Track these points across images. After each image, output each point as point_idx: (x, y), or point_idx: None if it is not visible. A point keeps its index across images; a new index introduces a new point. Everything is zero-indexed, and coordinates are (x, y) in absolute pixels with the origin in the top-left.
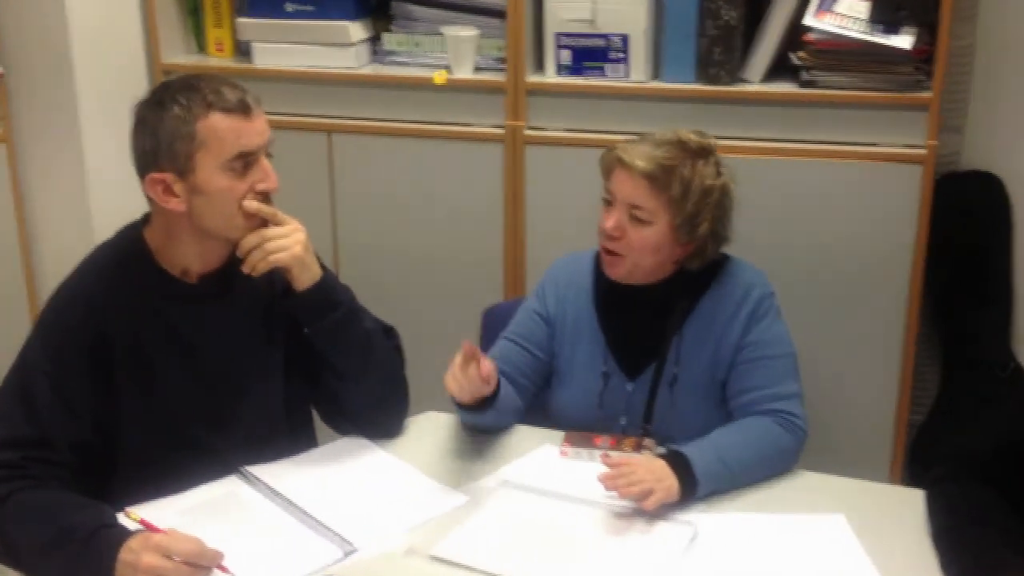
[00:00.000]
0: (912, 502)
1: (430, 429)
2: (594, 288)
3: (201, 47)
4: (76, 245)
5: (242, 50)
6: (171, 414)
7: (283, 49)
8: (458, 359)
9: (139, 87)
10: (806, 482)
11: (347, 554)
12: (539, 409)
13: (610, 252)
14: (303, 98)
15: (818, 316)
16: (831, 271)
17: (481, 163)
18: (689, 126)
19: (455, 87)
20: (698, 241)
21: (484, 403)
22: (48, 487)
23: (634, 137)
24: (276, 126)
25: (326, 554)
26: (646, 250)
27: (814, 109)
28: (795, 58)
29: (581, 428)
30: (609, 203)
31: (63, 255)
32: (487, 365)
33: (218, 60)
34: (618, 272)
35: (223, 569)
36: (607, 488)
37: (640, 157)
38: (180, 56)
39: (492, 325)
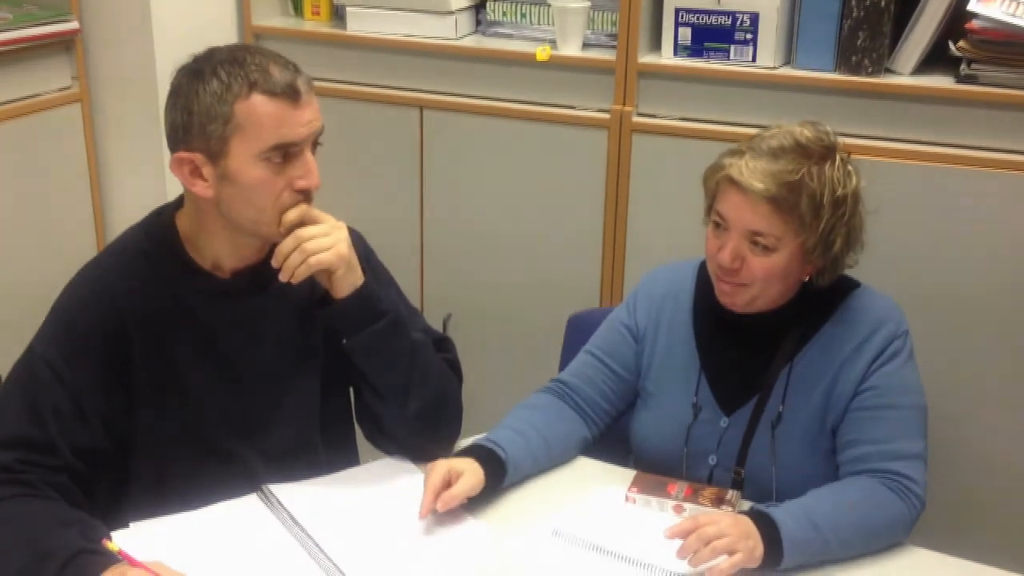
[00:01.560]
0: None
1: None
2: (694, 305)
3: (298, 9)
4: (150, 209)
5: (339, 15)
6: (193, 419)
7: (378, 15)
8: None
9: None
10: (917, 561)
11: None
12: (620, 431)
13: (727, 282)
14: (395, 69)
15: (963, 356)
16: (984, 301)
17: (583, 150)
18: (825, 121)
19: (559, 65)
20: (832, 257)
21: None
22: (41, 496)
23: (739, 144)
24: (365, 98)
25: None
26: (773, 278)
27: (974, 109)
28: (954, 48)
29: (664, 462)
30: (719, 226)
31: (137, 218)
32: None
33: (313, 24)
34: (738, 302)
35: None
36: (682, 552)
37: (757, 176)
38: (274, 18)
39: (576, 335)
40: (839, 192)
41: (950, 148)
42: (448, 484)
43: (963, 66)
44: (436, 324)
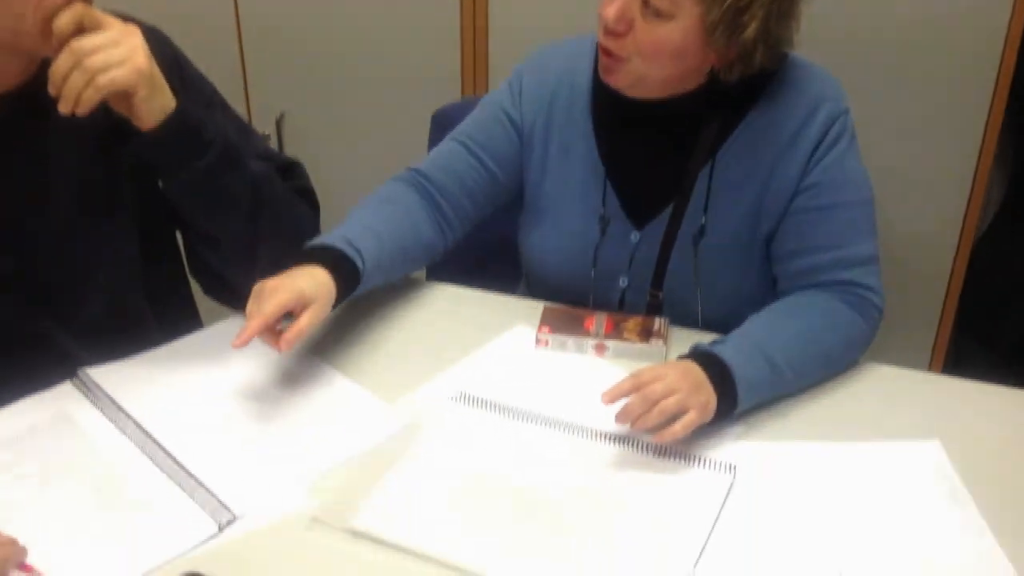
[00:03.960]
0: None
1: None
2: (593, 95)
3: None
4: None
5: None
6: None
7: None
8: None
9: None
10: (878, 380)
11: (223, 527)
12: (504, 247)
13: (609, 52)
14: None
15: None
16: (902, 59)
17: None
18: None
19: None
20: (741, 46)
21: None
22: None
23: None
24: None
25: (191, 529)
26: (660, 55)
27: None
28: None
29: (567, 286)
30: None
31: None
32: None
33: None
34: (617, 80)
35: (26, 569)
36: (624, 417)
37: None
38: None
39: (443, 134)
40: None
41: None
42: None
43: None
44: (265, 126)
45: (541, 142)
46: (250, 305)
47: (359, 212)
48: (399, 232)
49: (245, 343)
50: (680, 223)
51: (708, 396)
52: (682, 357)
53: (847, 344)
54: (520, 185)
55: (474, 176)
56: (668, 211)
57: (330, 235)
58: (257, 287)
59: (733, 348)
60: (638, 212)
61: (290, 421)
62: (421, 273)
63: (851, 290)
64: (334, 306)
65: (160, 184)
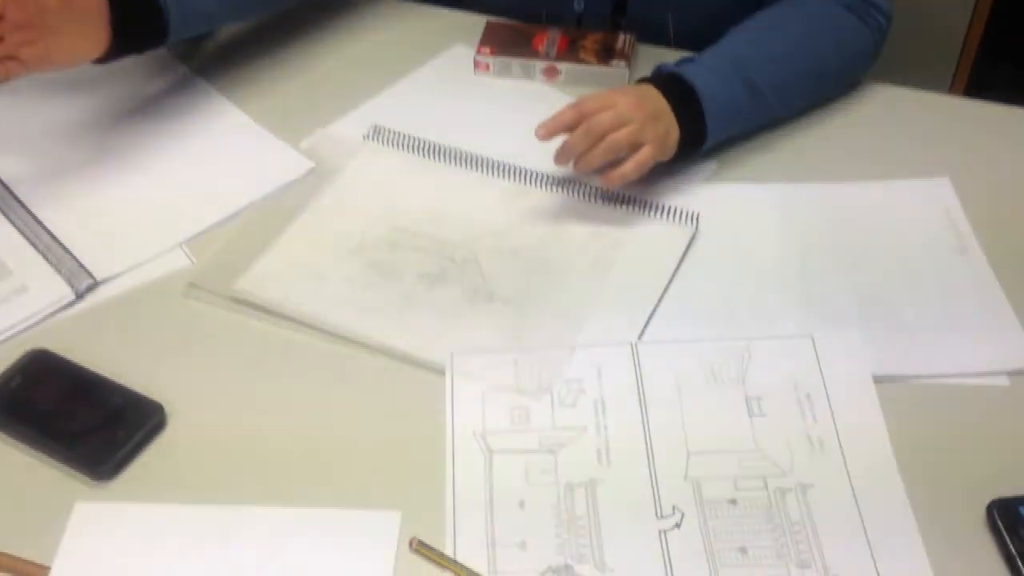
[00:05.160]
0: None
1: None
2: None
3: None
4: None
5: None
6: None
7: None
8: None
9: None
10: (877, 101)
11: (81, 294)
12: None
13: None
14: None
15: None
16: None
17: None
18: None
19: None
20: None
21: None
22: None
23: None
24: None
25: (42, 296)
26: None
27: None
28: None
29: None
30: None
31: None
32: None
33: None
34: None
35: None
36: (563, 156)
37: None
38: None
39: None
40: None
41: None
42: None
43: None
44: None
45: None
46: None
47: None
48: None
49: None
50: None
51: (668, 127)
52: (640, 81)
53: (845, 57)
54: None
55: None
56: None
57: None
58: None
59: (702, 67)
60: None
61: (168, 164)
62: None
63: None
64: (120, 52)
65: None
